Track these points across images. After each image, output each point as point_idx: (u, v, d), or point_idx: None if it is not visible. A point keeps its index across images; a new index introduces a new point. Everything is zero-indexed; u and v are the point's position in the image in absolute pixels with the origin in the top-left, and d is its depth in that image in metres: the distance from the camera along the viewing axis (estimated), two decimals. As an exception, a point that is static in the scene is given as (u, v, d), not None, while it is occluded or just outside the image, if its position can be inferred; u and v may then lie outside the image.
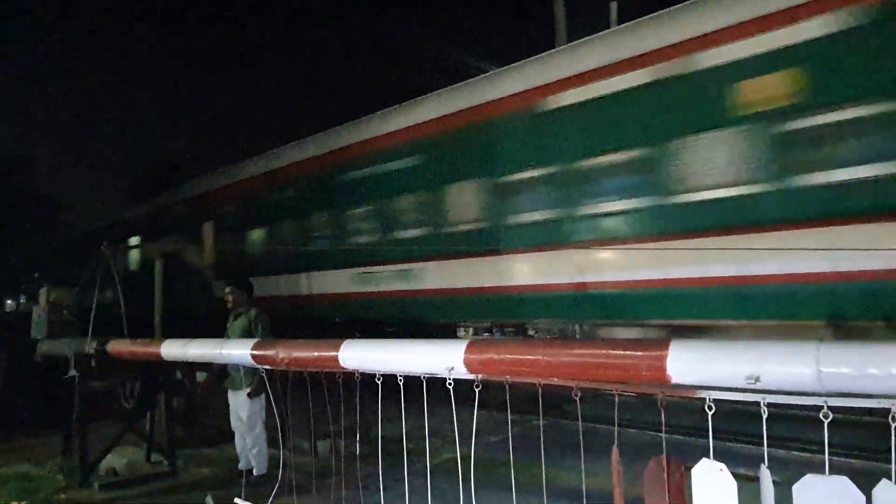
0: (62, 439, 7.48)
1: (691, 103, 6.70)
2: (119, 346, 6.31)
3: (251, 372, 6.02)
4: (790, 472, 2.32)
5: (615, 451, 2.73)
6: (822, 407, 2.26)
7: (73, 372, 6.51)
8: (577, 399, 2.81)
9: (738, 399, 2.51)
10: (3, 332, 10.50)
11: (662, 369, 2.51)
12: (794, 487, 2.17)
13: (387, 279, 10.08)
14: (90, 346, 6.44)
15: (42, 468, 7.07)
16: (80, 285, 8.07)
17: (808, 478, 2.16)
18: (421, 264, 9.49)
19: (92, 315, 6.67)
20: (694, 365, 2.48)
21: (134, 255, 16.48)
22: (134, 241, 17.16)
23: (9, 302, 24.25)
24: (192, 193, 15.71)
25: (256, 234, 13.32)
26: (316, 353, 4.00)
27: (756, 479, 2.43)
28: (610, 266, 7.36)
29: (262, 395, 6.22)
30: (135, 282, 11.05)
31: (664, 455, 2.53)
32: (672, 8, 7.13)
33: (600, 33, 8.08)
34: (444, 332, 10.08)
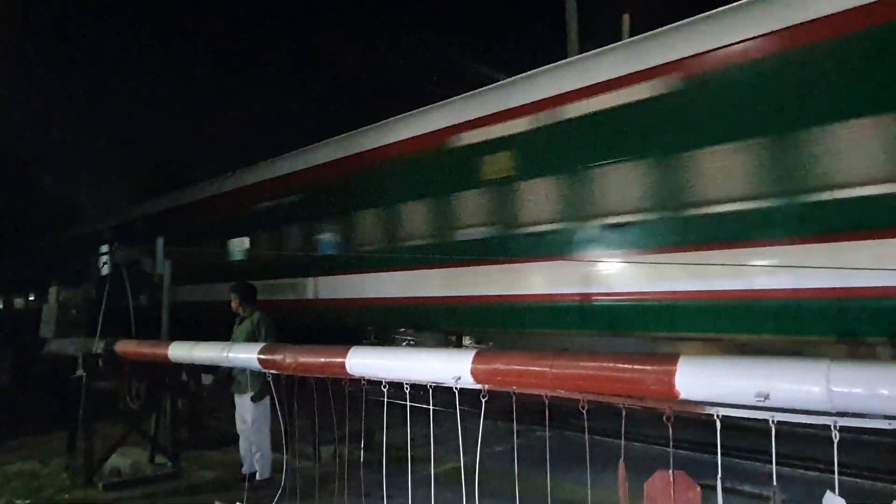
0: (67, 438, 7.51)
1: None
2: (126, 347, 6.34)
3: (257, 376, 6.03)
4: (798, 491, 2.30)
5: (622, 466, 2.71)
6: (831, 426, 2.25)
7: (80, 371, 6.54)
8: (584, 412, 2.79)
9: (747, 416, 2.49)
10: (12, 330, 10.58)
11: (671, 384, 2.50)
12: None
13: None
14: (98, 346, 6.47)
15: (47, 467, 7.09)
16: (89, 285, 8.12)
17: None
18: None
19: (101, 315, 6.71)
20: (703, 380, 2.47)
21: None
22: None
23: (18, 300, 24.41)
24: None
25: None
26: (323, 359, 4.00)
27: (763, 497, 2.41)
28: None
29: (267, 400, 6.23)
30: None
31: (671, 470, 2.51)
32: None
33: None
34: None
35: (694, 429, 5.09)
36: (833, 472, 2.31)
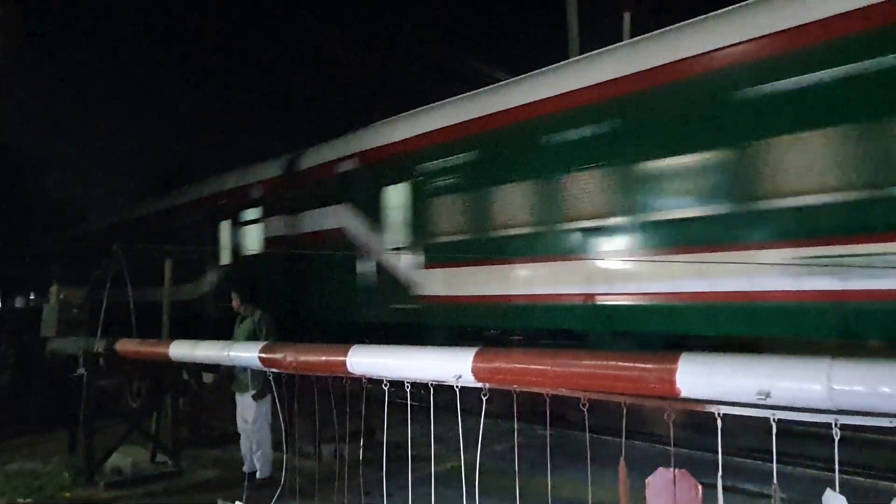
0: (68, 437, 7.51)
1: None
2: (127, 346, 6.33)
3: (258, 374, 6.03)
4: (800, 490, 2.30)
5: (622, 464, 2.71)
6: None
7: (81, 370, 6.54)
8: (585, 410, 2.79)
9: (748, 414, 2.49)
10: (13, 329, 10.57)
11: (672, 382, 2.50)
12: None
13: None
14: (99, 345, 6.47)
15: (48, 465, 7.09)
16: (90, 284, 8.12)
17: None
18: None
19: (101, 314, 6.71)
20: (704, 378, 2.47)
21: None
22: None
23: (19, 299, 24.42)
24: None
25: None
26: (324, 358, 4.01)
27: (764, 495, 2.41)
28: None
29: (268, 398, 6.23)
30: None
31: (672, 468, 2.52)
32: None
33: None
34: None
35: (695, 427, 5.10)
36: (833, 471, 2.31)
